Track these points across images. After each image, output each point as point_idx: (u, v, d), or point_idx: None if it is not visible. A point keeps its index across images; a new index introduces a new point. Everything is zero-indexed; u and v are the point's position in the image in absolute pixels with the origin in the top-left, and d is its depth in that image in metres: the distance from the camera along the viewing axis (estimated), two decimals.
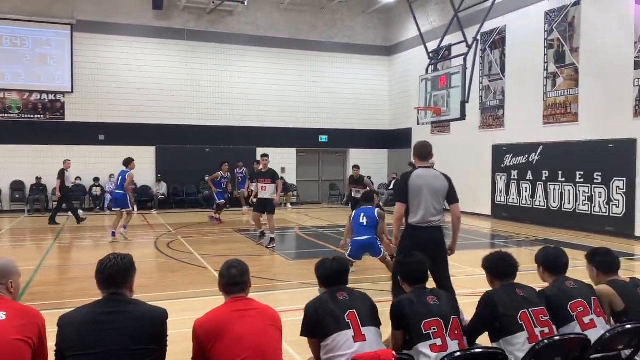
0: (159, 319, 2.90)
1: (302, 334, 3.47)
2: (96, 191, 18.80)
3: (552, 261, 3.98)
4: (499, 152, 16.55)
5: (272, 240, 10.88)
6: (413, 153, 5.41)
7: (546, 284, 3.95)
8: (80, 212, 15.79)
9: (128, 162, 12.11)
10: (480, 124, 17.41)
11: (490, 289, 3.79)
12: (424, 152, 5.31)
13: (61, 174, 14.84)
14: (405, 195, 5.11)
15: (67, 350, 2.71)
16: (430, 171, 5.27)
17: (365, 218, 7.69)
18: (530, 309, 3.50)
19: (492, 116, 17.04)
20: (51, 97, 18.64)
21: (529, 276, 4.18)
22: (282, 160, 20.83)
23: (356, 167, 12.91)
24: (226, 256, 3.53)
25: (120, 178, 12.10)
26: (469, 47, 12.97)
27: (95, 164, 18.87)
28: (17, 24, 18.15)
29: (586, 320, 3.60)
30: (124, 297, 2.92)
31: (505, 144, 16.33)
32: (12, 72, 18.21)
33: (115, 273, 2.90)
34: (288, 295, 7.50)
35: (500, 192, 16.63)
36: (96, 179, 18.77)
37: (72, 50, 18.72)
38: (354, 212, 8.05)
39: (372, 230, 7.70)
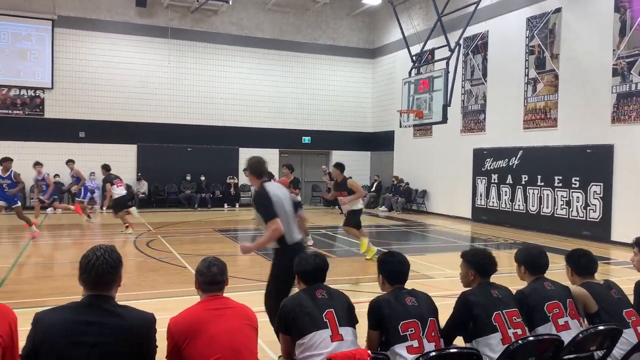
0: (145, 329, 2.71)
1: (276, 330, 3.46)
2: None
3: (532, 261, 3.99)
4: (479, 155, 16.71)
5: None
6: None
7: (523, 284, 3.98)
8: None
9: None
10: (461, 128, 17.56)
11: (466, 289, 3.79)
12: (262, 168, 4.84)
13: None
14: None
15: (43, 354, 2.53)
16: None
17: None
18: (504, 310, 3.52)
19: (474, 120, 17.20)
20: (30, 93, 18.35)
21: (508, 278, 4.22)
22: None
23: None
24: (206, 256, 3.48)
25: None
26: (452, 51, 13.06)
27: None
28: None
29: (561, 322, 3.64)
30: (110, 301, 2.69)
31: (486, 148, 16.49)
32: None
33: (104, 272, 2.62)
34: None
35: (481, 195, 16.79)
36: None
37: (53, 45, 18.46)
38: None
39: None
